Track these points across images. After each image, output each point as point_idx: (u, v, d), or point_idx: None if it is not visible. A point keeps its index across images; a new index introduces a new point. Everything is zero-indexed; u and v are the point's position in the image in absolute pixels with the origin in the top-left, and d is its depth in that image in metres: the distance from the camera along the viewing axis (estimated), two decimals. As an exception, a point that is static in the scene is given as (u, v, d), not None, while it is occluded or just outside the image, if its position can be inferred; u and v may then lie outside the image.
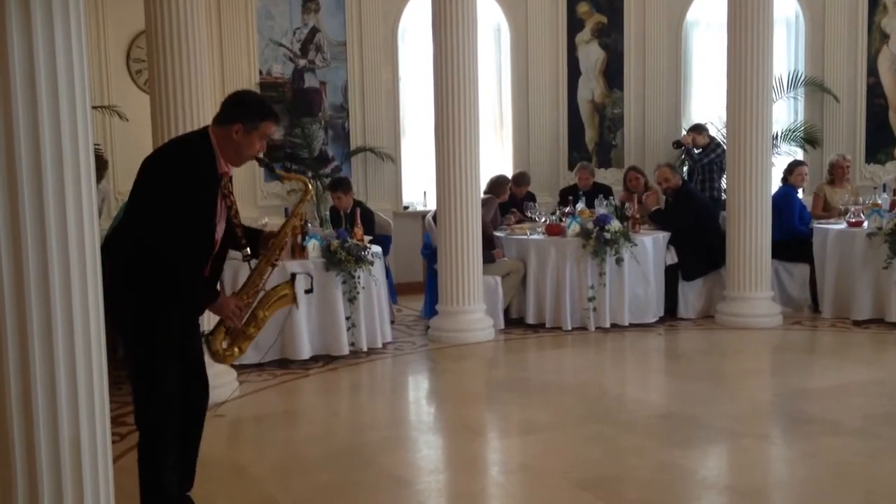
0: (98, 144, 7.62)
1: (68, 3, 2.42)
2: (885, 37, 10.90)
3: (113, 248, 3.49)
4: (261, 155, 3.60)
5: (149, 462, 3.48)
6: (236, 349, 3.71)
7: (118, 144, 8.71)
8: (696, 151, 9.22)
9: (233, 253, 3.76)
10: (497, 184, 8.71)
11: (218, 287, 3.67)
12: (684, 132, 10.16)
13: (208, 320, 4.06)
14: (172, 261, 3.32)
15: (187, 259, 3.38)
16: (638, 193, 8.51)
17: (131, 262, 3.37)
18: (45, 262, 2.40)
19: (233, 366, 5.76)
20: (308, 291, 4.29)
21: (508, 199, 9.10)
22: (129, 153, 8.08)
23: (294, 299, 3.81)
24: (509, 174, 9.71)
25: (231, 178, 3.59)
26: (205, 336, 3.68)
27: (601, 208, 8.05)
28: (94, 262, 2.54)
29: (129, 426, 5.30)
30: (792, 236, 8.32)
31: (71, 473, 2.51)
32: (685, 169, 9.67)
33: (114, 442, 3.34)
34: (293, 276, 3.89)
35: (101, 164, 7.74)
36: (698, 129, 9.35)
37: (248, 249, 3.67)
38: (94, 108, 7.47)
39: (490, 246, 8.01)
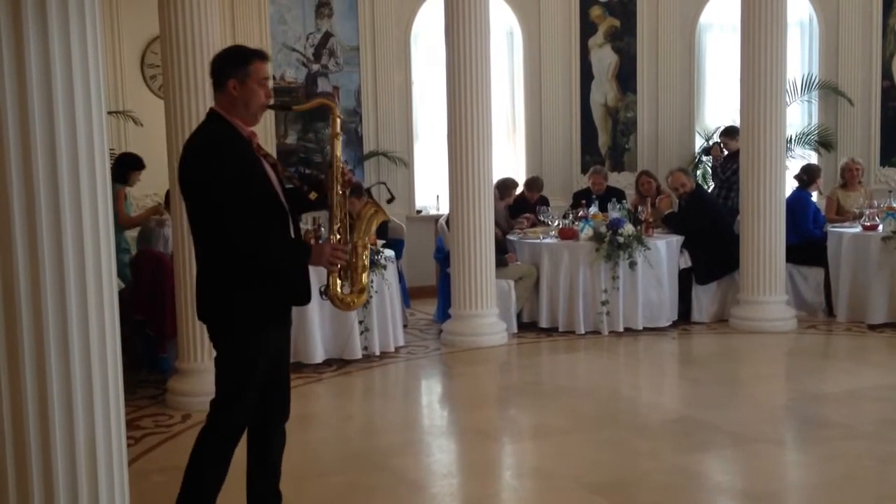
0: (112, 149, 7.65)
1: (84, 10, 2.44)
2: (899, 39, 10.84)
3: (203, 265, 3.39)
4: (270, 101, 3.48)
5: (197, 458, 3.45)
6: (358, 290, 3.52)
7: (133, 149, 8.71)
8: (719, 166, 9.20)
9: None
10: (503, 186, 8.71)
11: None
12: (714, 139, 10.10)
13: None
14: (251, 250, 3.22)
15: (267, 239, 3.27)
16: (650, 198, 8.49)
17: (213, 276, 3.31)
18: (61, 267, 2.42)
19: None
20: (390, 201, 4.05)
21: (522, 203, 9.11)
22: (144, 158, 8.12)
23: (382, 211, 3.65)
24: (522, 178, 9.73)
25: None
26: (323, 292, 3.51)
27: (614, 212, 8.04)
28: (110, 267, 2.56)
29: (143, 430, 5.34)
30: (806, 240, 8.28)
31: (86, 477, 2.52)
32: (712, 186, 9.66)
33: (128, 445, 3.35)
34: (368, 191, 3.74)
35: (138, 165, 7.77)
36: (732, 133, 9.24)
37: (314, 193, 3.54)
38: (109, 113, 7.51)
39: (501, 250, 8.01)
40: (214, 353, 3.48)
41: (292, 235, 3.48)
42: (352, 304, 3.55)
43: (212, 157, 3.23)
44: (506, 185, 8.68)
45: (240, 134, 3.36)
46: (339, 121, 3.59)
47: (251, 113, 3.39)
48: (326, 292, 3.49)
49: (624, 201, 8.63)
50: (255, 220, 3.23)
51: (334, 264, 3.41)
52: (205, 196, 3.23)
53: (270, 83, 9.77)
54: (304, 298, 3.51)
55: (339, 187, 3.49)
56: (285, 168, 3.49)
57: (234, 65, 3.35)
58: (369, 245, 3.60)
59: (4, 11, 2.31)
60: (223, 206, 3.19)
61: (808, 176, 8.59)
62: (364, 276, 3.54)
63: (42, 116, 2.37)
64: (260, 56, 3.40)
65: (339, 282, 3.49)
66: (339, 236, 3.47)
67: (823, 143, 10.68)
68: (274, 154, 3.57)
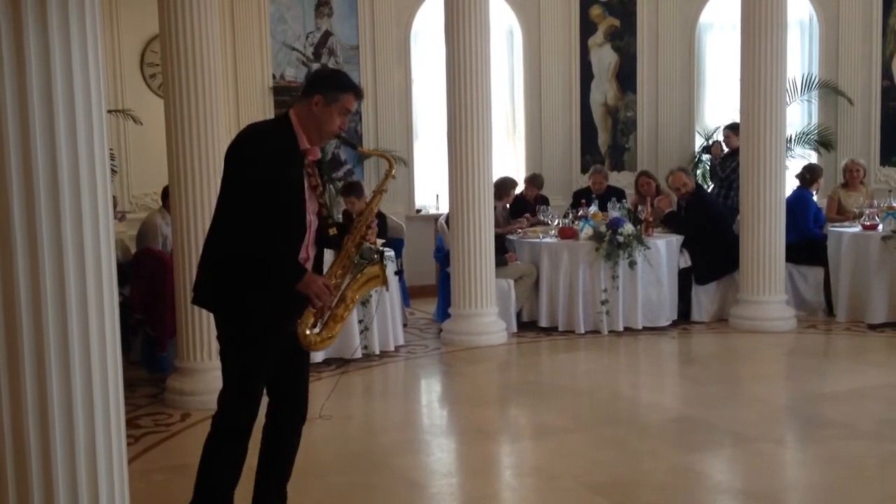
0: (111, 149, 7.65)
1: (84, 8, 2.43)
2: (899, 39, 10.84)
3: (213, 244, 3.43)
4: (342, 134, 3.52)
5: (208, 454, 3.46)
6: (327, 334, 3.49)
7: (132, 148, 8.75)
8: (718, 164, 9.20)
9: None
10: (502, 185, 8.70)
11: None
12: (716, 137, 10.08)
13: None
14: (254, 243, 3.25)
15: (274, 240, 3.28)
16: (650, 198, 8.49)
17: (226, 263, 3.34)
18: (60, 265, 2.41)
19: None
20: (397, 273, 4.08)
21: (521, 202, 9.10)
22: (143, 157, 8.14)
23: (385, 281, 3.63)
24: (522, 177, 9.71)
25: (317, 162, 3.52)
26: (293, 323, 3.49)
27: (614, 211, 8.04)
28: (110, 265, 2.55)
29: (142, 428, 5.33)
30: (806, 238, 8.28)
31: (86, 476, 2.51)
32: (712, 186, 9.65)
33: (127, 444, 3.35)
34: (381, 254, 3.70)
35: None
36: (736, 128, 9.24)
37: (336, 229, 3.56)
38: (109, 112, 7.51)
39: (501, 250, 8.00)
40: (218, 346, 3.48)
41: (305, 258, 3.47)
42: (314, 346, 3.49)
43: (261, 152, 3.27)
44: (504, 185, 8.67)
45: (297, 146, 3.39)
46: (389, 179, 3.64)
47: (320, 133, 3.44)
48: (295, 326, 3.43)
49: (624, 201, 8.62)
50: (269, 225, 3.24)
51: (319, 298, 3.37)
52: (237, 184, 3.28)
53: (270, 83, 9.81)
54: (286, 289, 3.41)
55: (360, 236, 3.53)
56: (324, 203, 3.55)
57: (329, 85, 3.41)
58: (354, 304, 3.60)
59: (4, 10, 2.30)
60: (244, 198, 3.24)
61: (810, 175, 8.59)
62: (337, 328, 3.51)
63: (42, 115, 2.37)
64: (356, 92, 3.47)
65: (311, 320, 3.45)
66: (334, 280, 3.48)
67: (823, 142, 10.68)
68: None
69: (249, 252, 3.27)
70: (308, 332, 3.44)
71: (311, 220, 3.46)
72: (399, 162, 9.82)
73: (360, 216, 3.57)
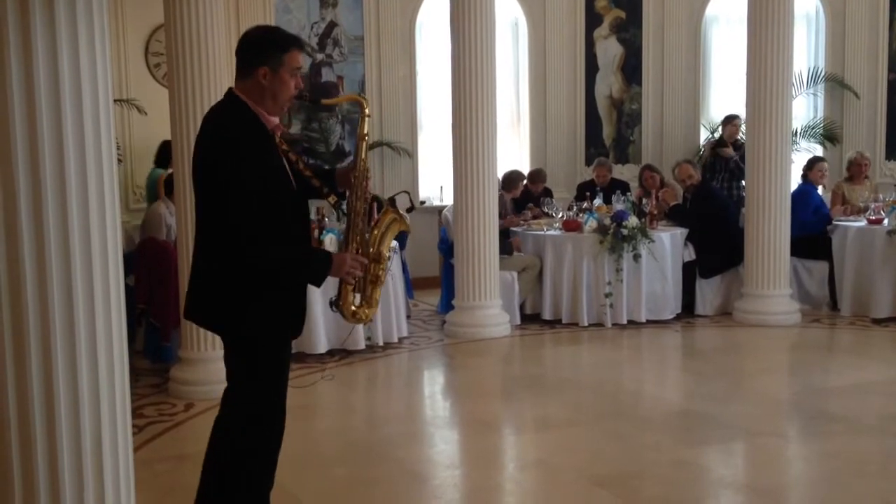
0: (116, 139, 7.65)
1: (91, 0, 2.43)
2: (906, 33, 10.81)
3: (202, 258, 3.14)
4: (302, 92, 3.22)
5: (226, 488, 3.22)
6: (369, 303, 3.32)
7: (136, 138, 8.73)
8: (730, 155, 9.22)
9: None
10: (509, 179, 8.69)
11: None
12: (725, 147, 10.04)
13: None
14: (260, 252, 2.98)
15: (280, 240, 3.03)
16: (654, 191, 8.48)
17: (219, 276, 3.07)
18: (67, 254, 2.42)
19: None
20: (410, 210, 3.81)
21: (525, 195, 9.09)
22: (147, 147, 8.12)
23: (405, 222, 3.38)
24: (526, 169, 9.70)
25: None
26: (333, 304, 3.31)
27: (618, 204, 8.03)
28: (116, 255, 2.55)
29: (146, 418, 5.34)
30: (805, 231, 8.22)
31: (92, 466, 2.52)
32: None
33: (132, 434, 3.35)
34: (391, 200, 3.57)
35: None
36: (730, 119, 9.38)
37: (334, 196, 3.30)
38: (113, 101, 7.51)
39: (505, 235, 8.01)
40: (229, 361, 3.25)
41: (308, 238, 3.29)
42: (362, 318, 3.33)
43: (231, 151, 2.95)
44: (512, 178, 8.67)
45: (264, 127, 3.11)
46: (368, 120, 3.34)
47: (277, 104, 3.12)
48: (337, 303, 3.29)
49: (629, 193, 8.60)
50: (268, 228, 2.98)
51: (353, 276, 3.19)
52: (217, 192, 2.97)
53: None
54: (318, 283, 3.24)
55: (363, 193, 3.27)
56: (299, 157, 3.27)
57: (268, 51, 3.06)
58: (386, 259, 3.37)
59: (12, 2, 2.30)
60: (236, 209, 2.93)
61: (806, 167, 8.58)
62: (377, 291, 3.33)
63: (49, 106, 2.37)
64: (297, 44, 3.14)
65: (350, 297, 3.27)
66: (357, 246, 3.25)
67: (829, 136, 10.66)
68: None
69: (264, 262, 3.02)
70: (354, 308, 3.30)
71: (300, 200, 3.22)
72: (403, 153, 9.83)
73: (354, 171, 3.28)
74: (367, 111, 3.35)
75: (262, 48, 3.08)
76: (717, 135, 10.15)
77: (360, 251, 3.26)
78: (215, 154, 3.00)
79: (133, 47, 8.84)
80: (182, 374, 5.75)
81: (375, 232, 3.34)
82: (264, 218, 2.97)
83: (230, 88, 3.17)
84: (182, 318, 5.66)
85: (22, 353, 2.40)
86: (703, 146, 10.02)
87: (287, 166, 3.19)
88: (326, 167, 3.52)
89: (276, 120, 3.17)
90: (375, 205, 3.43)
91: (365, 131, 3.34)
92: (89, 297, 2.46)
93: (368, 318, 3.38)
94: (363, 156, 3.30)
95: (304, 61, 3.27)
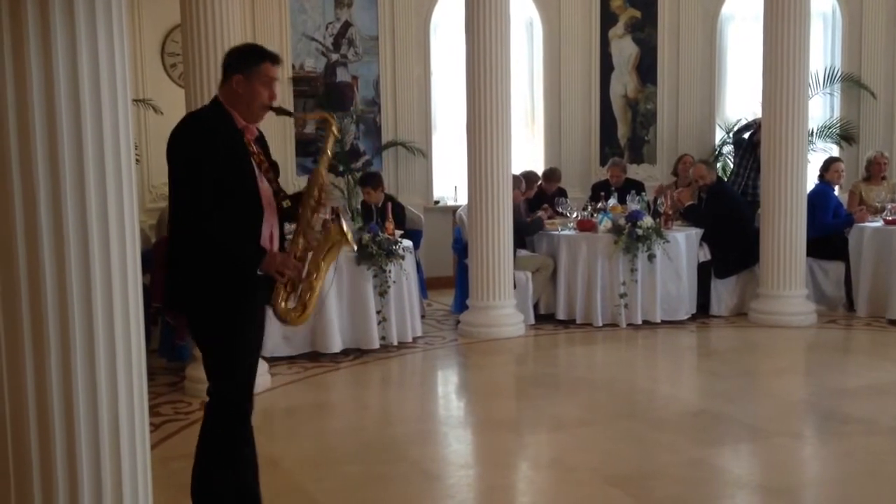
0: (133, 138, 7.69)
1: (111, 1, 2.44)
2: (924, 32, 10.73)
3: (172, 246, 3.38)
4: (274, 104, 3.42)
5: (205, 456, 3.43)
6: (304, 307, 3.45)
7: (153, 138, 8.78)
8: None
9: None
10: (527, 179, 8.69)
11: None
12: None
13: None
14: (206, 227, 3.21)
15: (227, 223, 3.24)
16: (685, 178, 8.58)
17: (186, 252, 3.29)
18: (86, 253, 2.43)
19: (264, 358, 5.81)
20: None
21: (540, 195, 9.09)
22: (164, 147, 8.14)
23: (348, 240, 3.51)
24: (540, 169, 9.70)
25: (262, 140, 3.49)
26: (267, 299, 3.46)
27: (633, 204, 8.01)
28: (135, 254, 2.57)
29: (162, 416, 5.38)
30: (824, 234, 8.19)
31: (110, 464, 2.54)
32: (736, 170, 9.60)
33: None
34: (334, 211, 3.56)
35: None
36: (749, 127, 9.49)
37: (289, 201, 3.49)
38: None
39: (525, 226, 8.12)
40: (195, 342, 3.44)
41: (269, 241, 3.41)
42: (293, 320, 3.46)
43: (195, 134, 3.27)
44: (528, 179, 8.67)
45: (233, 122, 3.36)
46: (332, 139, 3.55)
47: (252, 112, 3.38)
48: (268, 299, 3.43)
49: (643, 193, 8.58)
50: (221, 207, 3.20)
51: (282, 274, 3.34)
52: (178, 171, 3.26)
53: (289, 73, 9.81)
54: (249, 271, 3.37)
55: (314, 200, 3.45)
56: (269, 170, 3.48)
57: (243, 61, 3.36)
58: (325, 271, 3.50)
59: (32, 3, 2.32)
60: (188, 182, 3.21)
61: (822, 167, 8.53)
62: (312, 298, 3.46)
63: (68, 105, 2.38)
64: (271, 58, 3.39)
65: (283, 294, 3.42)
66: (298, 252, 3.43)
67: (845, 136, 10.60)
68: (292, 144, 3.49)
69: (207, 237, 3.23)
70: (284, 306, 3.43)
71: (267, 196, 3.38)
72: (417, 153, 9.84)
73: (309, 181, 3.50)
74: (334, 129, 3.56)
75: (238, 58, 3.40)
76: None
77: (296, 256, 3.42)
78: (183, 138, 3.29)
79: (149, 47, 8.89)
80: (197, 373, 5.76)
81: (320, 244, 3.49)
82: (218, 199, 3.20)
83: (215, 95, 3.46)
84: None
85: (41, 352, 2.42)
86: (738, 127, 9.98)
87: (255, 167, 3.38)
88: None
89: (248, 125, 3.41)
90: (332, 218, 3.51)
91: (328, 147, 3.55)
92: (108, 297, 2.48)
93: (297, 321, 3.49)
94: (321, 167, 3.51)
95: (278, 74, 3.47)
